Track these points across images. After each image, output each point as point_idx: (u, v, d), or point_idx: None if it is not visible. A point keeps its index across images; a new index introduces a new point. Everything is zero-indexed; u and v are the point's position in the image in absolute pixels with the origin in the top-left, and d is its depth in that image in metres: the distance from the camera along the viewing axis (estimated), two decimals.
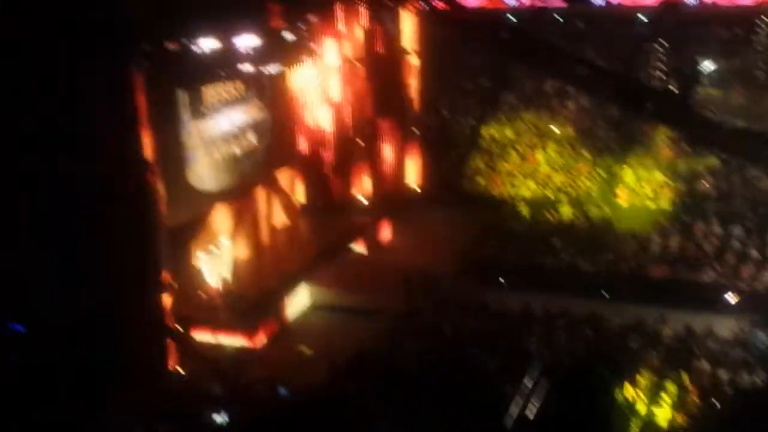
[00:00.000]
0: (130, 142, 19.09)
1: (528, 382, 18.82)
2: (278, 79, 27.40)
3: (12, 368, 18.93)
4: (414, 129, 32.02)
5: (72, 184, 18.54)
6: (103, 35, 17.89)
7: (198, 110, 23.48)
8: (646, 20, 37.67)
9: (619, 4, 38.15)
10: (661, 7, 36.19)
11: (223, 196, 25.16)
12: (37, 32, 17.85)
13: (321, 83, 29.23)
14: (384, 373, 19.45)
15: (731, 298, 23.07)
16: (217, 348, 21.81)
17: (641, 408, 17.64)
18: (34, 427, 17.48)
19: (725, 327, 21.17)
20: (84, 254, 18.89)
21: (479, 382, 18.70)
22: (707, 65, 33.79)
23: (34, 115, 18.32)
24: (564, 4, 37.85)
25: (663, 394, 17.99)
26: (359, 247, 28.29)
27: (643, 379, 18.69)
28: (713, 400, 17.92)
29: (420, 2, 27.44)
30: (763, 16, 33.94)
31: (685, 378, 18.62)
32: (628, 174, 30.56)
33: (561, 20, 39.27)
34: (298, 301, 24.48)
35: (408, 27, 30.62)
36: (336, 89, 29.41)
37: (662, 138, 31.64)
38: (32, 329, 19.51)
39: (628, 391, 17.98)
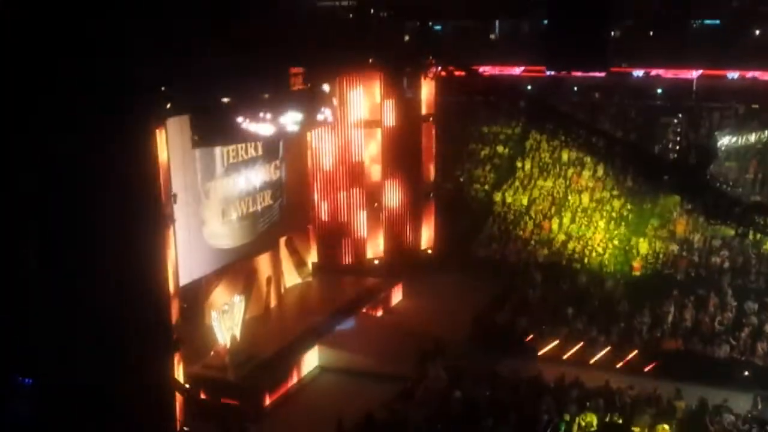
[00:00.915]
0: (147, 198, 19.26)
1: None
2: (295, 141, 27.75)
3: (22, 422, 18.89)
4: (429, 193, 32.14)
5: (87, 240, 18.72)
6: (123, 93, 18.23)
7: (215, 169, 23.76)
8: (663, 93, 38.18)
9: (638, 76, 38.66)
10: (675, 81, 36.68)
11: (236, 254, 25.26)
12: (59, 87, 18.27)
13: (337, 146, 29.56)
14: None
15: (746, 373, 22.77)
16: (225, 408, 21.62)
17: None
18: None
19: (740, 402, 20.83)
20: (96, 310, 18.96)
21: None
22: (724, 139, 33.93)
23: (50, 168, 18.65)
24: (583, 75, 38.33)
25: None
26: (371, 310, 28.18)
27: None
28: None
29: (438, 69, 27.81)
30: None
31: None
32: (643, 245, 30.46)
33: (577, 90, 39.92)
34: (308, 362, 24.31)
35: (426, 93, 31.00)
36: (353, 152, 29.70)
37: (678, 210, 31.63)
38: (43, 385, 19.51)
39: None
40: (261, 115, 22.89)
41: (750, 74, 36.52)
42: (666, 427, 19.49)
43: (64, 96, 18.27)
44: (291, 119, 23.76)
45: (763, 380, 22.38)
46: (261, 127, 22.92)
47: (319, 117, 25.63)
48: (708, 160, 25.44)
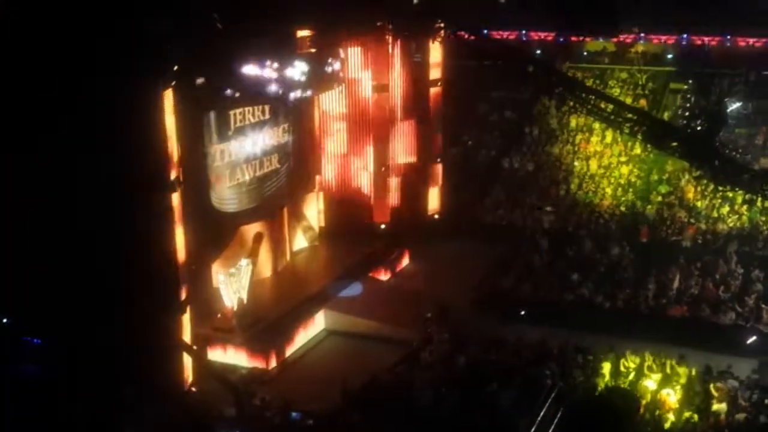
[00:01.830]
0: (156, 162, 19.29)
1: (542, 417, 18.69)
2: (304, 105, 27.67)
3: (33, 380, 19.13)
4: (437, 158, 32.06)
5: (98, 203, 18.79)
6: (133, 56, 18.18)
7: (224, 132, 23.73)
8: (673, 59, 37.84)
9: (646, 41, 38.31)
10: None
11: (244, 218, 25.33)
12: (71, 51, 18.23)
13: (346, 110, 29.46)
14: (396, 403, 19.39)
15: (751, 339, 22.85)
16: (232, 369, 21.85)
17: None
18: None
19: (744, 368, 20.92)
20: (106, 272, 19.10)
21: (492, 415, 18.59)
22: (733, 105, 33.69)
23: (61, 132, 18.67)
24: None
25: None
26: (377, 275, 28.28)
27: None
28: None
29: (447, 32, 27.58)
30: None
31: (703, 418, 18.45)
32: (650, 211, 30.38)
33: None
34: (314, 325, 24.47)
35: (434, 57, 30.79)
36: (360, 116, 29.59)
37: (686, 176, 31.49)
38: (52, 346, 19.73)
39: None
40: (271, 78, 22.88)
41: (761, 40, 36.11)
42: (670, 391, 19.63)
43: (72, 58, 18.24)
44: (298, 71, 23.81)
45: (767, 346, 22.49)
46: (270, 90, 22.92)
47: (328, 83, 25.63)
48: (717, 127, 25.21)
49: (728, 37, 36.63)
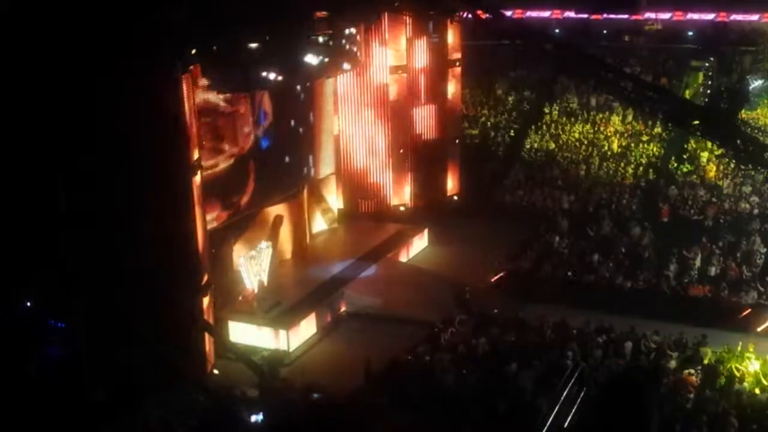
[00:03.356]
0: (176, 144, 19.36)
1: (564, 397, 18.67)
2: (321, 88, 27.63)
3: (58, 362, 19.35)
4: (455, 139, 31.95)
5: (118, 184, 18.92)
6: (152, 40, 18.22)
7: (242, 117, 23.75)
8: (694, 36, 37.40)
9: (668, 19, 37.89)
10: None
11: (264, 200, 25.39)
12: (90, 36, 18.28)
13: (362, 92, 29.39)
14: (417, 384, 19.45)
15: None
16: (253, 351, 21.98)
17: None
18: (77, 413, 17.80)
19: (766, 348, 20.81)
20: (129, 253, 19.24)
21: (514, 396, 18.61)
22: (755, 82, 33.30)
23: (79, 114, 18.76)
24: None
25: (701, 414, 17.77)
26: (396, 257, 28.28)
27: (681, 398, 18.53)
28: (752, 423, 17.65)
29: (465, 12, 27.37)
30: None
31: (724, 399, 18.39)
32: (671, 191, 30.16)
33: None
34: (334, 307, 24.55)
35: (452, 37, 30.61)
36: (378, 98, 29.51)
37: (708, 156, 31.23)
38: (76, 327, 19.91)
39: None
40: (288, 62, 22.82)
41: None
42: (692, 371, 19.56)
43: (90, 42, 18.30)
44: (315, 53, 23.76)
45: None
46: (286, 74, 22.90)
47: (345, 65, 25.57)
48: (739, 105, 24.87)
49: (750, 14, 36.12)
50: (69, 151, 19.02)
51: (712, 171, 30.79)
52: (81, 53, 18.31)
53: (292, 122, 26.27)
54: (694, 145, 32.06)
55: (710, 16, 36.94)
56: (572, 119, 35.87)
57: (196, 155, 19.87)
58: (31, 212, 19.84)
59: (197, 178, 20.09)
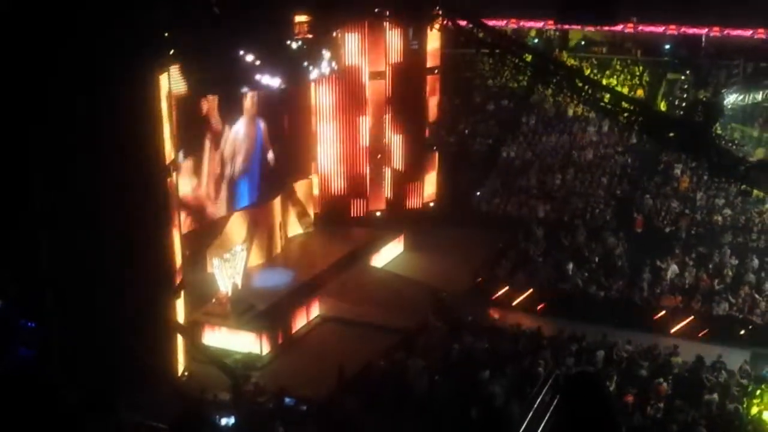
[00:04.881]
0: (152, 146, 19.23)
1: (537, 405, 18.72)
2: (299, 92, 27.59)
3: (28, 363, 19.10)
4: (433, 146, 32.03)
5: (93, 186, 18.72)
6: (127, 38, 18.10)
7: (218, 119, 23.68)
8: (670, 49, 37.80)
9: (643, 31, 38.20)
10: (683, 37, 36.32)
11: (239, 204, 25.30)
12: (67, 36, 18.13)
13: (341, 97, 29.39)
14: (390, 389, 19.43)
15: (744, 330, 22.96)
16: (226, 354, 21.86)
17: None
18: (48, 416, 17.57)
19: (736, 359, 21.02)
20: (103, 253, 19.04)
21: (487, 402, 18.63)
22: (731, 97, 33.71)
23: (59, 116, 18.58)
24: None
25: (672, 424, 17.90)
26: (372, 262, 28.29)
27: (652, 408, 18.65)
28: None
29: (445, 20, 27.50)
30: None
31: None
32: (646, 202, 30.41)
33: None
34: (309, 312, 24.48)
35: (432, 45, 30.71)
36: (356, 103, 29.53)
37: (682, 168, 31.53)
38: (48, 329, 19.68)
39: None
40: (265, 65, 22.76)
41: (759, 31, 36.05)
42: (662, 381, 19.70)
43: (68, 41, 18.15)
44: (294, 70, 23.72)
45: (760, 338, 22.59)
46: (263, 78, 22.85)
47: (323, 68, 25.57)
48: (714, 118, 25.19)
49: (726, 28, 36.53)
50: (44, 151, 18.81)
51: (685, 183, 31.11)
52: (58, 52, 18.14)
53: (270, 126, 26.21)
54: (668, 157, 32.36)
55: (690, 30, 37.24)
56: (549, 129, 36.10)
57: (172, 156, 19.75)
58: (3, 211, 19.62)
59: (173, 179, 19.97)
